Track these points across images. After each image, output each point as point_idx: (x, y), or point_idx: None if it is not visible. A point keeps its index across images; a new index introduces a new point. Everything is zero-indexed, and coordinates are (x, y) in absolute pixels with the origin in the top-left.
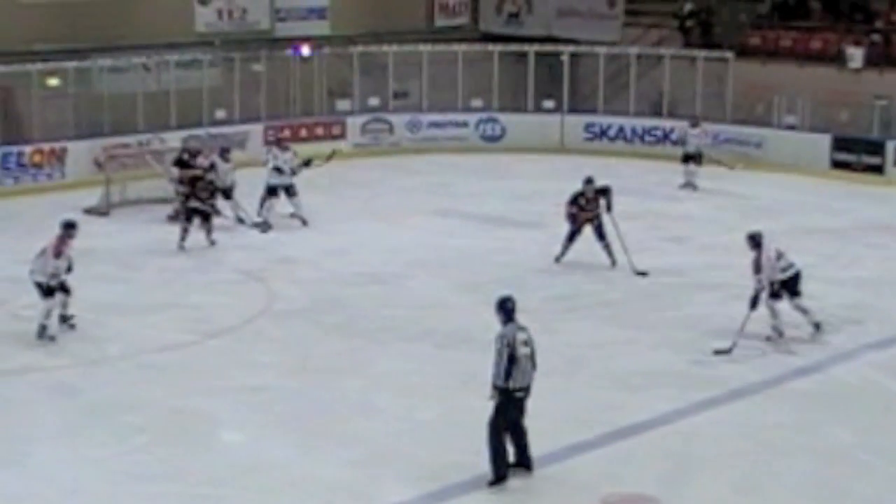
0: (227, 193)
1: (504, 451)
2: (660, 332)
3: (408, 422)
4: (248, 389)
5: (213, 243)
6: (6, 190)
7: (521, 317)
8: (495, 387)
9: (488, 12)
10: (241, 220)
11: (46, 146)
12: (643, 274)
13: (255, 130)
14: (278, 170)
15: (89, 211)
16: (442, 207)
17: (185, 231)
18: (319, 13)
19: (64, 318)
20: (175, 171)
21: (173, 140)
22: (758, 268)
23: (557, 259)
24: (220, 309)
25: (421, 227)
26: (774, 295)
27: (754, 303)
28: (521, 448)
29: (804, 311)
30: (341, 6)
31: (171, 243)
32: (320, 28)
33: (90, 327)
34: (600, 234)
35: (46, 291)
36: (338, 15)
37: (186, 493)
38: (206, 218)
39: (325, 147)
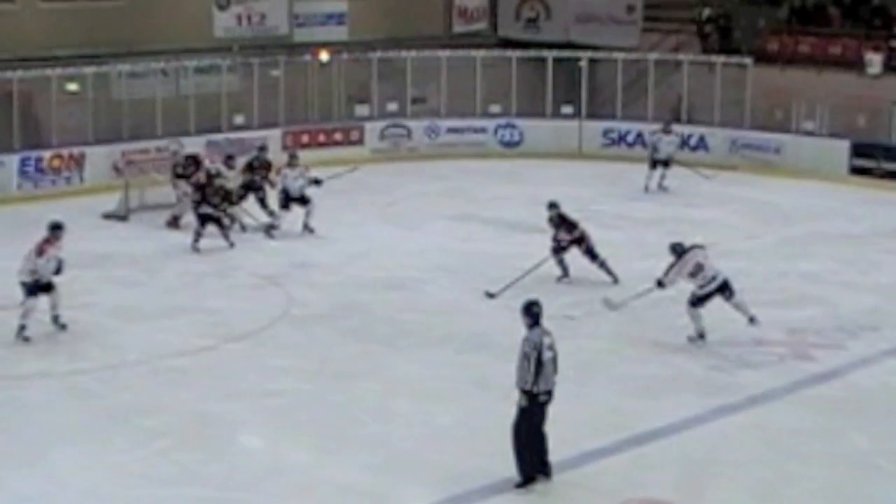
0: (232, 199)
1: (530, 453)
2: (678, 338)
3: (426, 426)
4: (266, 394)
5: (232, 245)
6: (25, 195)
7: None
8: (522, 390)
9: (507, 18)
10: (243, 229)
11: (65, 151)
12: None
13: (274, 136)
14: (286, 191)
15: (108, 216)
16: (460, 213)
17: (198, 234)
18: (338, 19)
19: (55, 319)
20: (184, 185)
21: (192, 145)
22: (667, 273)
23: (559, 279)
24: (238, 313)
25: (439, 233)
26: (694, 303)
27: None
28: (540, 454)
29: (739, 306)
30: (360, 12)
31: (189, 247)
32: (339, 34)
33: (109, 332)
34: (591, 255)
35: (29, 291)
36: (356, 21)
37: (204, 497)
38: (219, 224)
39: (344, 153)
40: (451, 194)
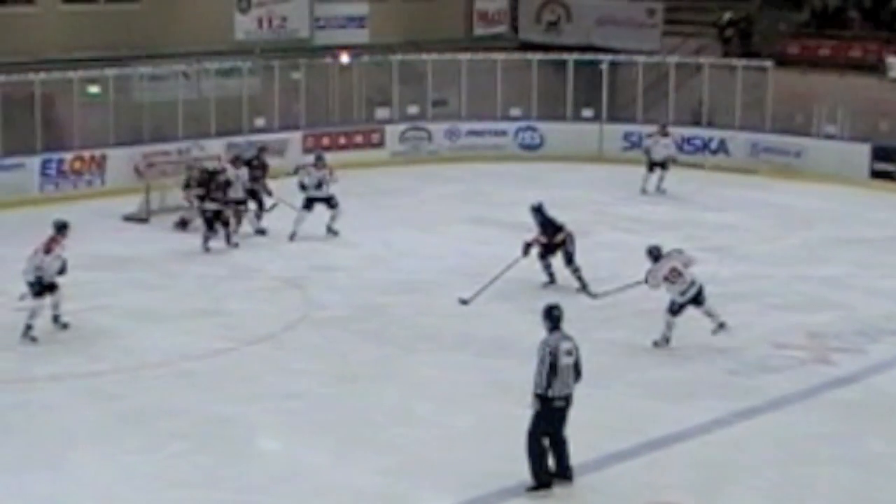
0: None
1: (544, 459)
2: (697, 341)
3: (445, 429)
4: (285, 397)
5: (235, 245)
6: (46, 196)
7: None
8: (536, 395)
9: (527, 21)
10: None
11: (86, 153)
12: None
13: (295, 138)
14: (303, 185)
15: (129, 218)
16: (480, 216)
17: (207, 235)
18: (359, 21)
19: (56, 318)
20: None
21: (213, 147)
22: (646, 279)
23: (545, 285)
24: (257, 316)
25: (459, 236)
26: (675, 311)
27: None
28: (561, 458)
29: (711, 314)
30: (381, 15)
31: (210, 250)
32: (360, 36)
33: (128, 334)
34: (568, 260)
35: (37, 292)
36: (377, 23)
37: (221, 499)
38: (224, 222)
39: (364, 155)
40: (470, 197)
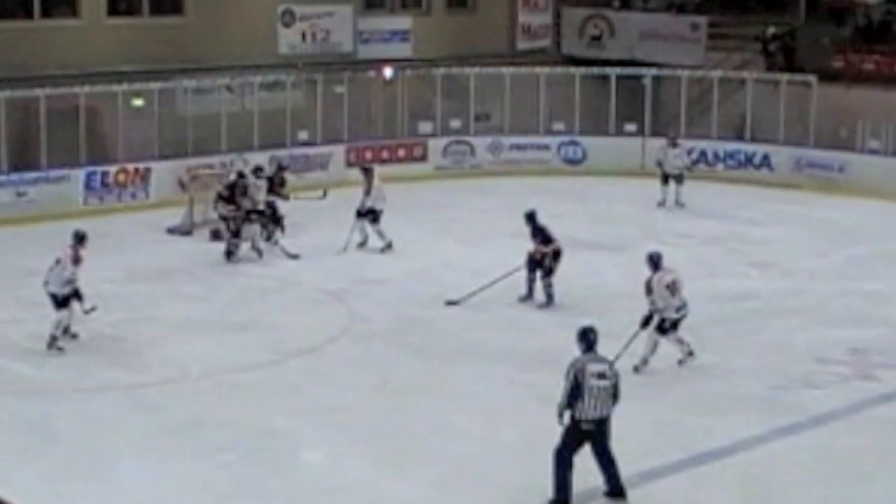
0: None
1: (566, 475)
2: (741, 357)
3: (487, 443)
4: (328, 409)
5: (259, 253)
6: (91, 209)
7: (603, 340)
8: (558, 414)
9: (570, 35)
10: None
11: (131, 166)
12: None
13: (338, 152)
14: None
15: (172, 230)
16: (523, 230)
17: (231, 244)
18: (402, 36)
19: (65, 329)
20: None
21: (257, 160)
22: (649, 289)
23: (522, 299)
24: (301, 329)
25: (501, 250)
26: (663, 329)
27: (646, 321)
28: (609, 477)
29: (680, 341)
30: (424, 29)
31: (254, 263)
32: (403, 50)
33: (172, 346)
34: (548, 272)
35: (60, 302)
36: (420, 37)
37: None
38: (231, 228)
39: (407, 169)
40: (513, 211)
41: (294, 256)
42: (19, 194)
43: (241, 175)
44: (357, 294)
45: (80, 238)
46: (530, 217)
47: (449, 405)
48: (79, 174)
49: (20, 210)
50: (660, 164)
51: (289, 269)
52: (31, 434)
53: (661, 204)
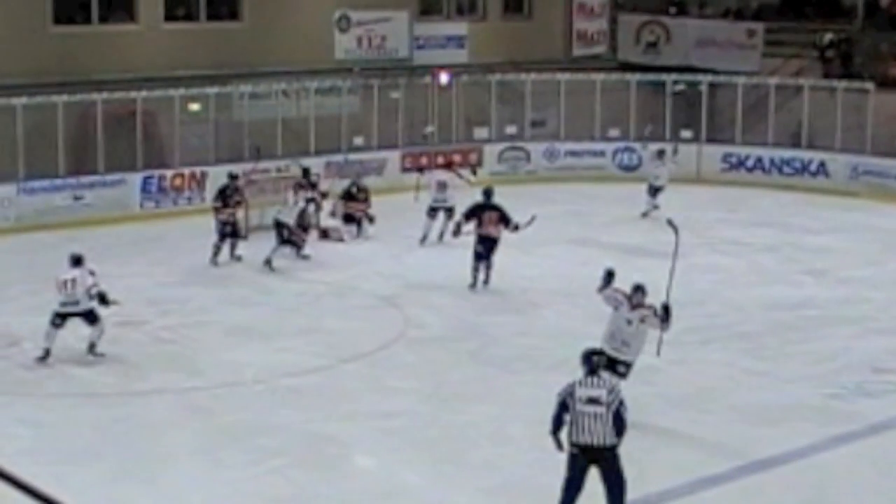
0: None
1: (568, 495)
2: (796, 365)
3: (540, 451)
4: (381, 415)
5: (238, 259)
6: (147, 213)
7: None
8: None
9: (627, 41)
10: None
11: (187, 171)
12: None
13: (393, 157)
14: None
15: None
16: (578, 237)
17: (233, 245)
18: (458, 41)
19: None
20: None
21: (313, 166)
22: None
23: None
24: (354, 334)
25: (557, 257)
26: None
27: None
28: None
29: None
30: (480, 35)
31: (308, 268)
32: (458, 56)
33: (226, 350)
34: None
35: (93, 316)
36: (476, 43)
37: None
38: (234, 232)
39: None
40: (569, 218)
41: (304, 257)
42: (76, 198)
43: (233, 177)
44: (412, 299)
45: (76, 260)
46: (486, 194)
47: (503, 412)
48: (135, 178)
49: (77, 213)
50: (654, 176)
51: (343, 275)
52: (86, 437)
53: (645, 215)
